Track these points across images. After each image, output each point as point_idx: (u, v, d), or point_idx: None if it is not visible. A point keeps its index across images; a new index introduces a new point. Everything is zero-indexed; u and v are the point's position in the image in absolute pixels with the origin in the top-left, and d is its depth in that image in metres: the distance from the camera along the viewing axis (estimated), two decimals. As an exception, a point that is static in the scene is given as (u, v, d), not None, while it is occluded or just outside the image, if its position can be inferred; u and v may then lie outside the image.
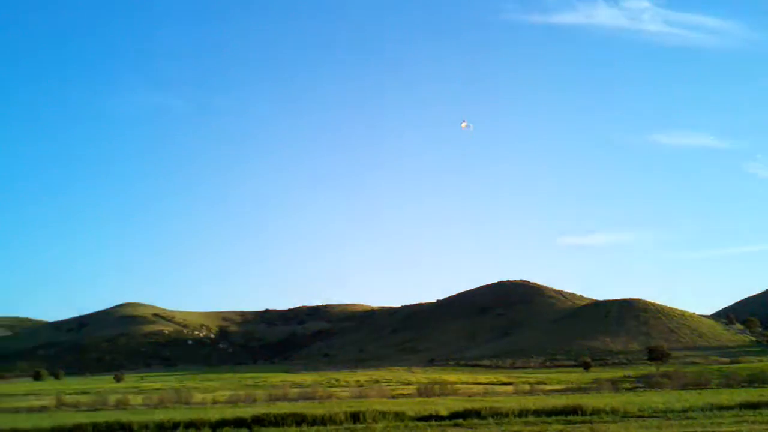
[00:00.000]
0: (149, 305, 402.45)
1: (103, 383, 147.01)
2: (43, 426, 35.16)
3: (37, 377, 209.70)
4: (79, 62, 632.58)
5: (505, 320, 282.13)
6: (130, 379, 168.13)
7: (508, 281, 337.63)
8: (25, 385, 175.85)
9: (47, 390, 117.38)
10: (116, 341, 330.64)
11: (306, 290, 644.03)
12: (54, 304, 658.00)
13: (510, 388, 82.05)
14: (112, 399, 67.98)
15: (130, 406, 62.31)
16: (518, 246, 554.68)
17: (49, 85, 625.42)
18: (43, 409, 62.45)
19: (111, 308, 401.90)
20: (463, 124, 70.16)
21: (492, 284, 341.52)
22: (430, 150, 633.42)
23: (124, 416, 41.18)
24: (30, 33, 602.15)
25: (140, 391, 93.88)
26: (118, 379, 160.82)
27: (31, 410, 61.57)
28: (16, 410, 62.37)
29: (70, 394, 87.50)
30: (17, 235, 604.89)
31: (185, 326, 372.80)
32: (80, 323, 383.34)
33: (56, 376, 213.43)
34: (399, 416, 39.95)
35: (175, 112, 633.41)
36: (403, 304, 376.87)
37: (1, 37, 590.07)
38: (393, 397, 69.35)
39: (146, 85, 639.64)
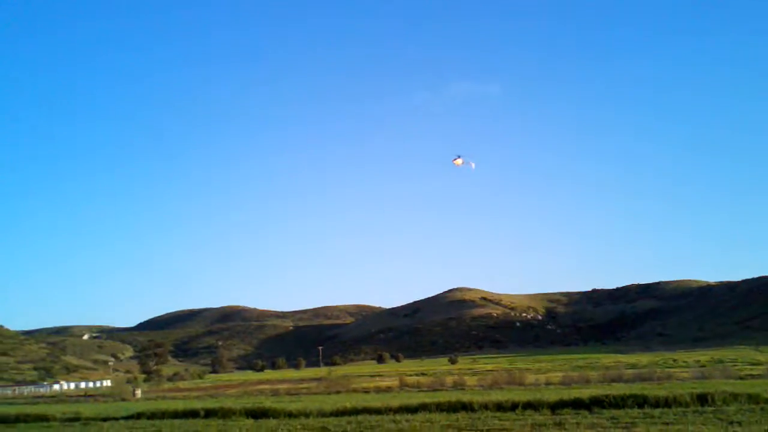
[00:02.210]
0: (477, 289, 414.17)
1: (438, 365, 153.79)
2: (392, 404, 36.63)
3: (380, 360, 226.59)
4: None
5: None
6: (464, 361, 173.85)
7: None
8: (370, 366, 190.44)
9: (389, 371, 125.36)
10: (447, 325, 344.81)
11: (635, 268, 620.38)
12: (390, 292, 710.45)
13: None
14: (449, 380, 69.99)
15: (466, 386, 63.58)
16: None
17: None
18: (388, 389, 66.10)
19: (441, 293, 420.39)
20: (458, 161, 55.46)
21: None
22: None
23: (464, 396, 41.74)
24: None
25: (474, 373, 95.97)
26: (452, 361, 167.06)
27: (378, 390, 65.53)
28: (366, 390, 66.81)
29: (410, 375, 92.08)
30: (349, 236, 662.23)
31: (512, 309, 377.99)
32: (414, 309, 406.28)
33: (396, 359, 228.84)
34: (753, 398, 35.51)
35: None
36: (745, 278, 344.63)
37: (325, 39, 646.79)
38: (740, 378, 62.86)
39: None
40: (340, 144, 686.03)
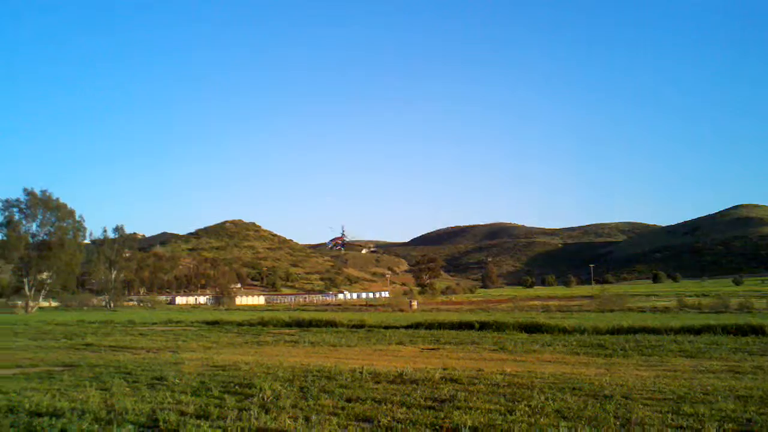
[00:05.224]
0: (765, 206, 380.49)
1: (720, 286, 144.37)
2: (672, 325, 34.96)
3: (655, 279, 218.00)
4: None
5: None
6: (750, 283, 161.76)
7: None
8: (644, 286, 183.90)
9: (666, 292, 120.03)
10: (731, 244, 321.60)
11: None
12: (666, 209, 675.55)
13: None
14: (734, 302, 65.35)
15: (754, 309, 58.97)
16: None
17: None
18: (666, 309, 63.31)
19: (724, 211, 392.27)
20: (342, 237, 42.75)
21: None
22: None
23: (753, 319, 38.69)
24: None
25: (762, 295, 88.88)
26: (737, 282, 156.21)
27: (654, 310, 63.03)
28: (641, 309, 64.60)
29: (689, 296, 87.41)
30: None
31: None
32: (693, 227, 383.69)
33: (673, 279, 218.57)
34: None
35: None
36: None
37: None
38: None
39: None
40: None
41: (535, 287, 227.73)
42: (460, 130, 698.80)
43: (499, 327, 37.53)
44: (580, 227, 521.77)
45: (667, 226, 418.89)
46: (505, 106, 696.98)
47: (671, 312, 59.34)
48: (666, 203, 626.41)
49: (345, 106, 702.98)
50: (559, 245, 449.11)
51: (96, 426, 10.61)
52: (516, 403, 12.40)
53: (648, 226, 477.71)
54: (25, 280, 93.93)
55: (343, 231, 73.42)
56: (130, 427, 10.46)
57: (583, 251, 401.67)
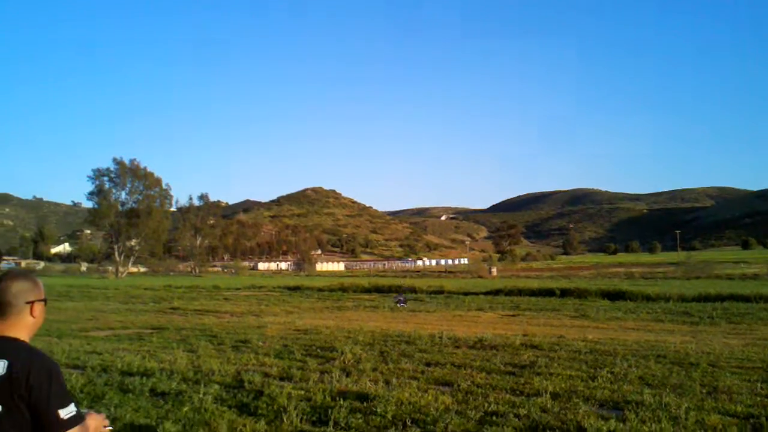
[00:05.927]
0: None
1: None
2: (762, 292, 33.79)
3: (745, 246, 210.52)
4: None
5: None
6: None
7: None
8: (733, 253, 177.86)
9: (756, 258, 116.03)
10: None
11: None
12: (757, 172, 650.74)
13: None
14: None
15: None
16: None
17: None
18: (755, 276, 61.29)
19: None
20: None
21: None
22: None
23: None
24: None
25: None
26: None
27: (743, 277, 61.11)
28: (729, 277, 62.71)
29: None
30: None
31: None
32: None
33: (764, 245, 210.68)
34: None
35: None
36: None
37: None
38: None
39: None
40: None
41: (619, 254, 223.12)
42: (541, 93, 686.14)
43: (580, 294, 37.03)
44: (665, 192, 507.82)
45: (758, 191, 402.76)
46: (583, 68, 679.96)
47: (761, 279, 57.46)
48: (756, 167, 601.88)
49: (424, 75, 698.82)
50: (644, 211, 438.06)
51: (184, 385, 10.95)
52: (598, 369, 12.22)
53: (737, 190, 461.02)
54: (115, 246, 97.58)
55: (403, 296, 73.23)
56: (217, 387, 10.75)
57: (669, 217, 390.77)
